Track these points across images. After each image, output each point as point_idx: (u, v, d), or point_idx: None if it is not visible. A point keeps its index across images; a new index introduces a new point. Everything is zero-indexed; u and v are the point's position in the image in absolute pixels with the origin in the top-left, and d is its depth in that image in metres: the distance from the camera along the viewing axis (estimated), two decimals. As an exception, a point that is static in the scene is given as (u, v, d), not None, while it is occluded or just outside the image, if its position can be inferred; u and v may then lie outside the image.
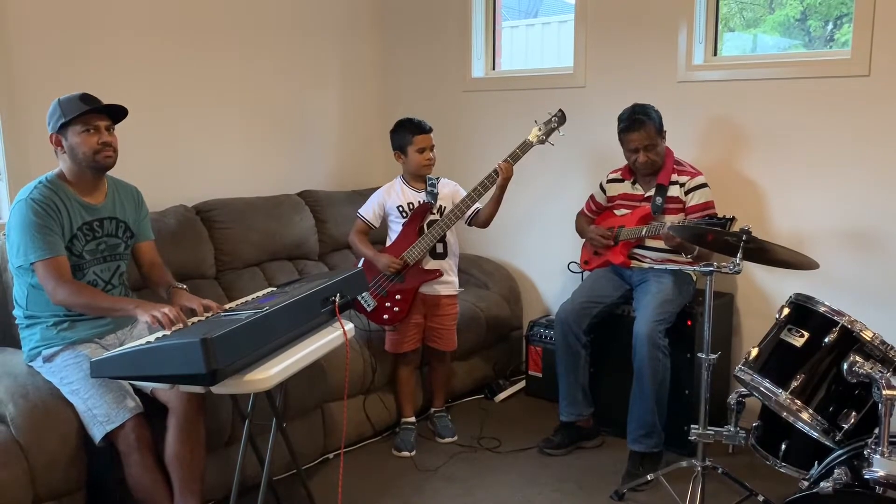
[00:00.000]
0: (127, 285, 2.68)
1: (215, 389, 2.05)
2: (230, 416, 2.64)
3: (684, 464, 2.72)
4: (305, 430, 3.01)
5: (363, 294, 2.72)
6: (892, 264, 3.03)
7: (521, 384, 3.93)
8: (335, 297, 2.38)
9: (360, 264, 3.26)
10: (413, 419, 3.38)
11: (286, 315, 2.19)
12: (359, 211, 3.33)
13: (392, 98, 4.50)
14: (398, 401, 3.38)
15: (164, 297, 2.56)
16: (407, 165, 3.26)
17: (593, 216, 3.47)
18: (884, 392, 1.89)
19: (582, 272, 3.51)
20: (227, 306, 2.43)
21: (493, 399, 3.83)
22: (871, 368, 2.02)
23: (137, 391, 2.39)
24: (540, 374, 3.80)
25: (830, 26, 3.63)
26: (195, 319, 2.35)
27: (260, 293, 2.68)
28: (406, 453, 3.21)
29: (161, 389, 2.35)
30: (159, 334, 2.20)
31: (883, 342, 2.14)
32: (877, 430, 1.88)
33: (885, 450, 1.84)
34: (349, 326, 2.46)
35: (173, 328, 2.22)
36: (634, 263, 3.23)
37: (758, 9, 3.91)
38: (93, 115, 2.41)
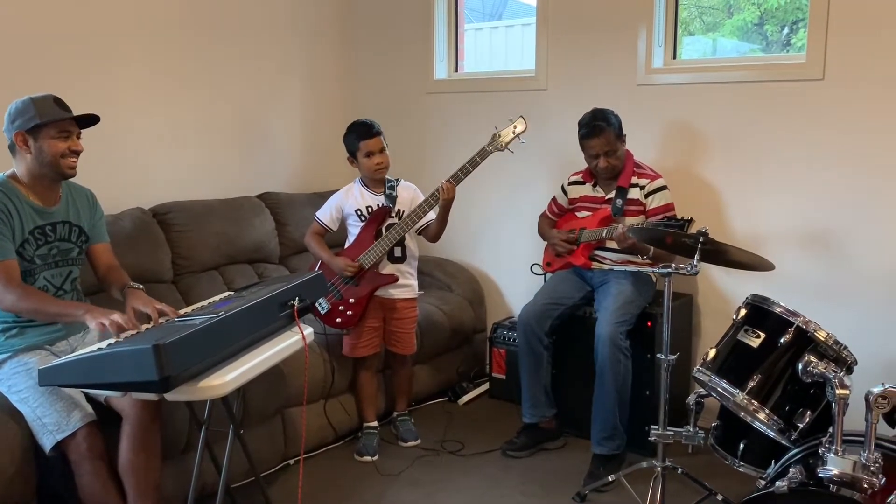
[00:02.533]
0: (80, 291, 2.62)
1: (169, 396, 2.00)
2: (186, 424, 2.58)
3: (645, 465, 2.74)
4: (265, 436, 2.97)
5: (316, 296, 2.69)
6: (846, 264, 3.09)
7: (485, 386, 3.93)
8: (294, 301, 2.34)
9: (317, 266, 3.23)
10: (375, 423, 3.35)
11: (242, 320, 2.15)
12: (316, 213, 3.29)
13: (355, 99, 4.47)
14: (360, 405, 3.35)
15: (119, 298, 2.50)
16: (360, 170, 3.23)
17: (555, 218, 3.48)
18: (837, 391, 1.91)
19: (544, 274, 3.52)
20: (182, 311, 2.38)
21: (456, 402, 3.82)
22: (825, 368, 2.05)
23: (90, 399, 2.33)
24: (503, 376, 3.80)
25: (787, 31, 3.69)
26: (147, 325, 2.29)
27: (217, 297, 2.63)
28: (368, 458, 3.18)
29: (114, 397, 2.30)
30: (111, 340, 2.15)
31: (836, 342, 2.17)
32: (831, 429, 1.90)
33: (838, 448, 1.85)
34: (308, 331, 2.43)
35: (125, 334, 2.17)
36: (595, 265, 3.25)
37: (717, 13, 3.95)
38: (69, 120, 2.38)
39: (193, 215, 3.44)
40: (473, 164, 3.06)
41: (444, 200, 3.07)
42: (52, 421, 2.22)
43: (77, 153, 2.43)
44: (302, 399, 2.99)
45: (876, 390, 1.81)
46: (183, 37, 3.63)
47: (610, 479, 2.84)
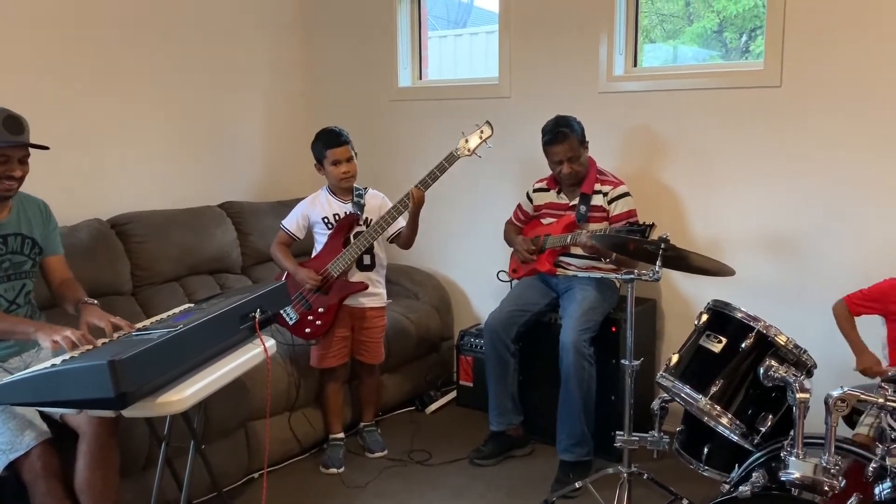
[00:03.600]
0: (35, 305, 2.55)
1: (126, 413, 1.95)
2: (146, 439, 2.53)
3: (611, 470, 2.75)
4: (228, 450, 2.92)
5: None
6: (805, 269, 3.14)
7: (453, 394, 3.91)
8: (255, 312, 2.31)
9: (283, 277, 3.19)
10: (341, 435, 3.31)
11: (202, 333, 2.11)
12: (282, 222, 3.26)
13: (318, 106, 4.44)
14: (325, 417, 3.31)
15: (73, 313, 2.44)
16: (326, 178, 3.20)
17: (521, 225, 3.49)
18: (797, 395, 1.93)
19: (511, 281, 3.52)
20: (140, 325, 2.33)
21: (423, 411, 3.79)
22: (785, 372, 2.07)
23: (45, 416, 2.27)
24: (471, 384, 3.79)
25: (745, 38, 3.75)
26: (104, 340, 2.24)
27: (176, 310, 2.58)
28: (334, 470, 3.15)
29: (70, 414, 2.23)
30: (66, 356, 2.09)
31: (796, 346, 2.20)
32: (792, 433, 1.92)
33: (799, 452, 1.87)
34: (270, 343, 2.39)
35: (80, 349, 2.11)
36: (560, 271, 3.26)
37: (677, 20, 4.00)
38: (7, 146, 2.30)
39: (153, 226, 3.37)
40: (442, 169, 3.07)
41: (414, 206, 3.05)
42: (4, 440, 2.15)
43: (13, 178, 2.35)
44: (265, 411, 2.94)
45: (835, 393, 1.82)
46: (141, 42, 3.56)
47: (577, 485, 2.84)
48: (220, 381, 2.14)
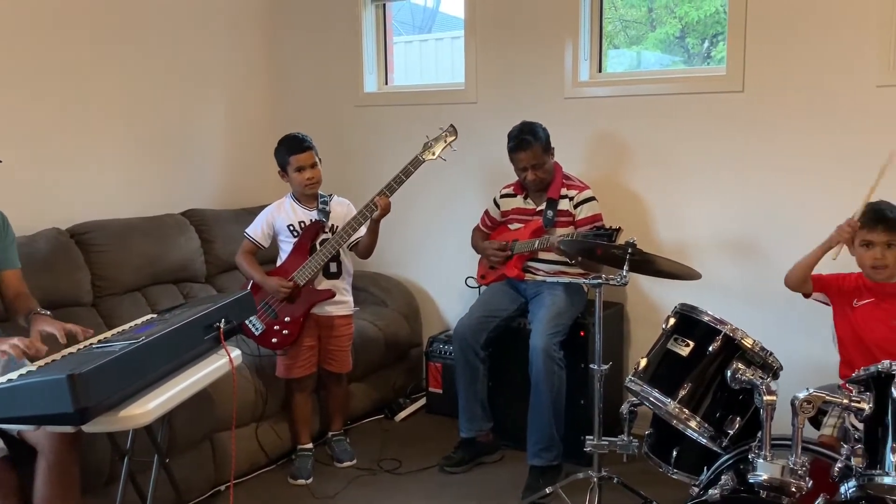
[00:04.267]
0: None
1: (87, 428, 1.90)
2: (108, 454, 2.46)
3: (581, 475, 2.75)
4: (194, 463, 2.86)
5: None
6: (770, 271, 3.16)
7: (422, 402, 3.89)
8: (220, 323, 2.26)
9: (248, 286, 3.14)
10: (310, 445, 3.27)
11: (165, 344, 2.06)
12: (246, 230, 3.21)
13: (283, 112, 4.39)
14: (293, 427, 3.27)
15: (24, 325, 2.37)
16: (291, 185, 3.16)
17: (488, 231, 3.48)
18: (764, 398, 1.94)
19: (479, 287, 3.51)
20: (100, 336, 2.27)
21: (393, 418, 3.76)
22: (752, 375, 2.08)
23: (2, 432, 2.19)
24: (440, 391, 3.77)
25: (707, 44, 3.80)
26: (65, 352, 2.17)
27: (139, 321, 2.52)
28: (302, 481, 3.10)
29: (28, 430, 2.17)
30: (23, 370, 2.03)
31: (763, 348, 2.22)
32: (759, 435, 1.94)
33: (767, 454, 1.89)
34: (235, 353, 2.35)
35: (38, 363, 2.05)
36: (528, 276, 3.27)
37: (640, 27, 4.04)
38: None
39: (114, 235, 3.30)
40: (407, 173, 3.05)
41: (379, 213, 3.03)
42: (-42, 458, 2.08)
43: None
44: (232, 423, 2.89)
45: (801, 395, 1.85)
46: (101, 47, 3.48)
47: (547, 490, 2.84)
48: (184, 393, 2.10)
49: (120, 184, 3.62)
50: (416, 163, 3.08)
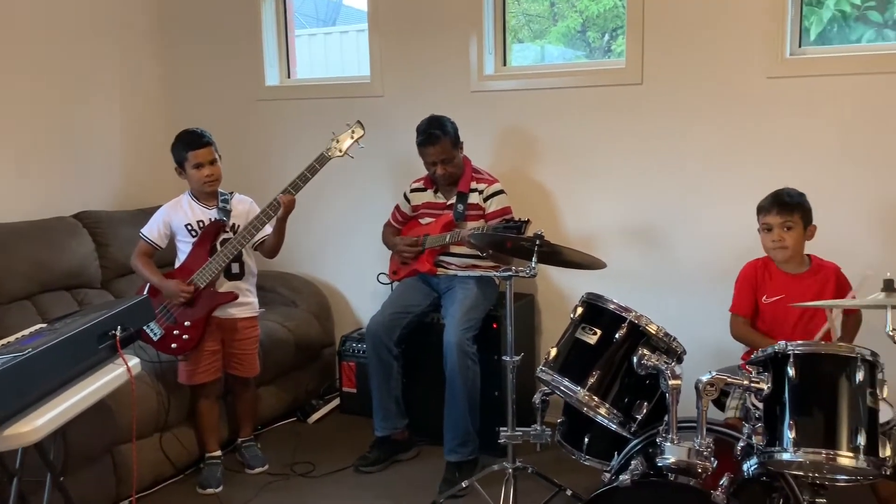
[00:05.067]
0: None
1: (-32, 450, 1.77)
2: (-5, 476, 2.30)
3: (496, 467, 2.76)
4: (93, 479, 2.72)
5: (148, 322, 2.49)
6: (670, 258, 3.28)
7: (336, 402, 3.82)
8: (115, 330, 2.14)
9: (145, 290, 3.00)
10: (219, 452, 3.16)
11: (54, 356, 1.93)
12: (141, 231, 3.05)
13: (180, 108, 4.21)
14: (200, 435, 3.14)
15: None
16: (189, 182, 3.04)
17: (399, 226, 3.45)
18: (670, 382, 2.00)
19: (391, 283, 3.47)
20: (-18, 350, 2.11)
21: (306, 421, 3.68)
22: (657, 360, 2.13)
23: None
24: (354, 390, 3.71)
25: (607, 37, 3.88)
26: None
27: (26, 332, 2.36)
28: (212, 490, 3.00)
29: None
30: None
31: (666, 334, 2.28)
32: (666, 418, 1.99)
33: (674, 437, 1.94)
34: (134, 362, 2.23)
35: None
36: (441, 271, 3.26)
37: (543, 21, 4.09)
38: None
39: (-3, 240, 3.09)
40: (312, 171, 2.98)
41: (283, 212, 2.94)
42: None
43: None
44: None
45: (704, 378, 1.90)
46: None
47: (464, 484, 2.84)
48: (77, 406, 1.98)
49: (5, 186, 3.39)
50: (322, 160, 3.00)
